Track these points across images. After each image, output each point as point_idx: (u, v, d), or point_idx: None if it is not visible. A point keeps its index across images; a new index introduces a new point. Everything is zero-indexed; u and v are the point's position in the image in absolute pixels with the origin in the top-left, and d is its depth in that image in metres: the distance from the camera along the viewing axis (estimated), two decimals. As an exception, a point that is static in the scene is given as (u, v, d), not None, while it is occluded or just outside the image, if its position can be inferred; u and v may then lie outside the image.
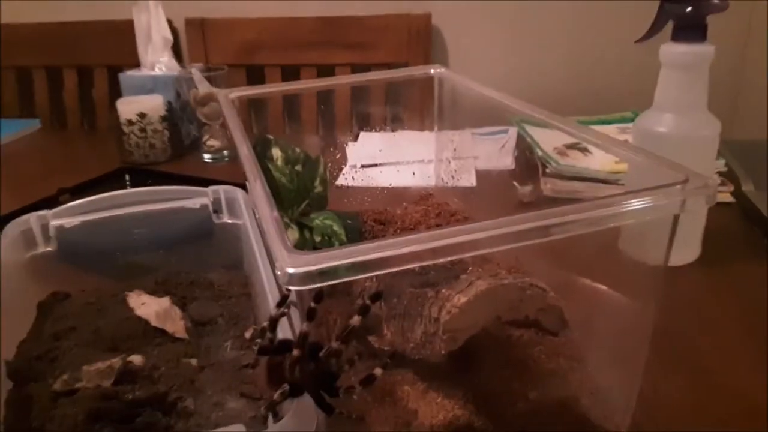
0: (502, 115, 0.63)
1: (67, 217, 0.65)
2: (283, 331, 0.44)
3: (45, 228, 0.64)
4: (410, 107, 1.28)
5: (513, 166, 0.96)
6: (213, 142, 1.13)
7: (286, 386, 0.38)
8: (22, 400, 0.49)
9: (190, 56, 1.43)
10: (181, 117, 1.20)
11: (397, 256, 0.32)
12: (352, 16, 1.32)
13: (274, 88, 0.90)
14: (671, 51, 0.65)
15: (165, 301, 0.60)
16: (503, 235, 0.34)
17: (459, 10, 1.30)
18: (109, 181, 1.04)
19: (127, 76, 1.24)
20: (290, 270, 0.31)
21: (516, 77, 1.33)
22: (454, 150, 0.79)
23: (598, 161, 0.87)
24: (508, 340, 0.48)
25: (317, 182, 0.62)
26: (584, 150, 0.90)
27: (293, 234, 0.57)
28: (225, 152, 1.14)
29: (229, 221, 0.70)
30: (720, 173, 0.87)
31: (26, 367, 0.53)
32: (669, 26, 0.66)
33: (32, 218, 0.64)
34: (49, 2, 1.50)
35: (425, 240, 0.32)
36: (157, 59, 1.28)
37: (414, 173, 0.83)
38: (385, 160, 0.90)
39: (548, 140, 0.92)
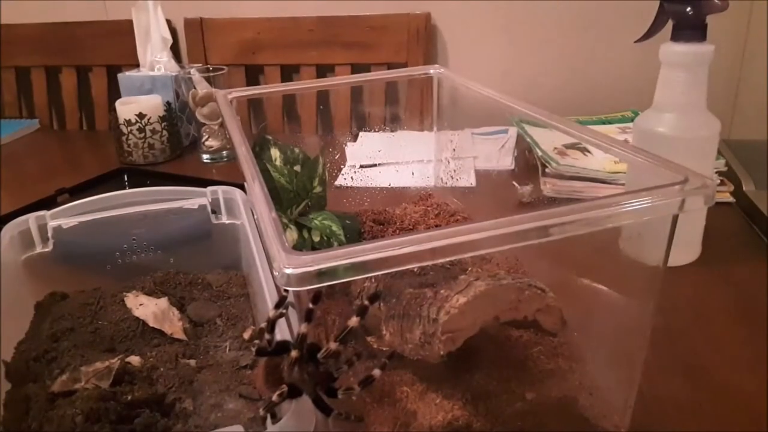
0: (501, 115, 0.63)
1: (65, 217, 0.65)
2: (282, 332, 0.44)
3: (43, 228, 0.64)
4: (409, 107, 1.29)
5: (513, 166, 0.96)
6: (212, 143, 1.13)
7: (284, 387, 0.37)
8: (21, 400, 0.49)
9: (189, 56, 1.43)
10: (180, 117, 1.20)
11: (396, 257, 0.32)
12: (352, 16, 1.32)
13: (273, 88, 0.90)
14: (671, 51, 0.65)
15: (163, 302, 0.60)
16: (503, 235, 0.33)
17: (459, 10, 1.30)
18: (108, 181, 1.04)
19: (126, 76, 1.23)
20: (288, 271, 0.30)
21: (516, 77, 1.33)
22: (454, 150, 0.79)
23: (598, 161, 0.87)
24: (507, 340, 0.48)
25: (316, 182, 0.62)
26: (584, 150, 0.90)
27: (292, 234, 0.57)
28: (224, 152, 1.14)
29: (227, 222, 0.70)
30: (720, 173, 0.87)
31: (24, 368, 0.52)
32: (669, 26, 0.66)
33: (30, 219, 0.64)
34: (48, 2, 1.49)
35: (424, 240, 0.32)
36: (156, 59, 1.28)
37: (413, 173, 0.83)
38: (384, 160, 0.90)
39: (548, 140, 0.91)
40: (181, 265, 0.67)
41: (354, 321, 0.37)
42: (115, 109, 1.13)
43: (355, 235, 0.63)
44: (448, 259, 0.34)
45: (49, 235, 0.64)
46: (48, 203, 0.90)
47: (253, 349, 0.50)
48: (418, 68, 0.80)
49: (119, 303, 0.60)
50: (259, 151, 0.62)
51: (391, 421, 0.43)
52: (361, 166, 0.91)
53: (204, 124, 1.12)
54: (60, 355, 0.54)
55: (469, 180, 0.84)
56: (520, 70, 1.32)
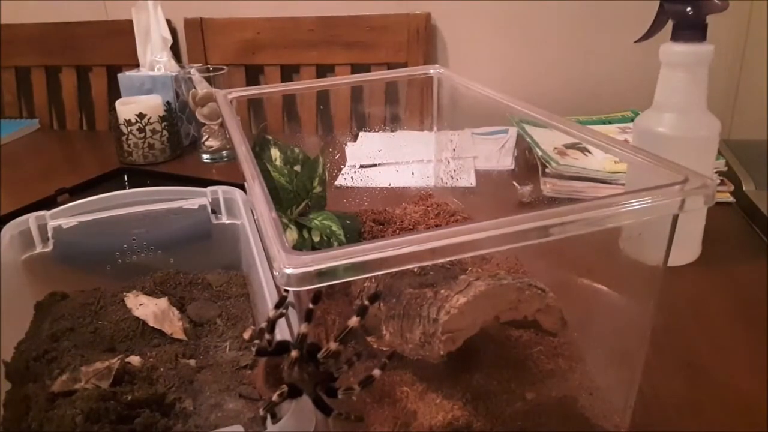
0: (501, 115, 0.63)
1: (65, 217, 0.65)
2: (282, 332, 0.44)
3: (43, 228, 0.64)
4: (409, 107, 1.29)
5: (513, 166, 0.96)
6: (212, 143, 1.13)
7: (284, 387, 0.37)
8: (21, 400, 0.49)
9: (189, 56, 1.43)
10: (180, 117, 1.20)
11: (396, 257, 0.32)
12: (352, 16, 1.32)
13: (273, 88, 0.90)
14: (671, 51, 0.65)
15: (163, 302, 0.60)
16: (503, 235, 0.33)
17: (459, 10, 1.30)
18: (108, 181, 1.04)
19: (126, 76, 1.23)
20: (288, 271, 0.30)
21: (516, 77, 1.33)
22: (454, 150, 0.79)
23: (598, 161, 0.87)
24: (507, 340, 0.48)
25: (316, 182, 0.62)
26: (584, 150, 0.90)
27: (292, 234, 0.57)
28: (224, 152, 1.14)
29: (227, 222, 0.70)
30: (720, 173, 0.87)
31: (24, 368, 0.52)
32: (669, 26, 0.66)
33: (30, 218, 0.64)
34: (48, 2, 1.49)
35: (424, 240, 0.32)
36: (156, 59, 1.28)
37: (413, 173, 0.83)
38: (384, 160, 0.90)
39: (548, 140, 0.91)
40: (181, 265, 0.67)
41: (354, 321, 0.37)
42: (115, 109, 1.13)
43: (355, 235, 0.63)
44: (448, 259, 0.34)
45: (49, 235, 0.64)
46: (48, 203, 0.90)
47: (253, 349, 0.50)
48: (418, 68, 0.80)
49: (119, 303, 0.60)
50: (259, 151, 0.62)
51: (391, 421, 0.43)
52: (361, 166, 0.91)
53: (204, 124, 1.12)
54: (60, 355, 0.54)
55: (469, 180, 0.84)
56: (520, 70, 1.32)
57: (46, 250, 0.64)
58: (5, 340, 0.54)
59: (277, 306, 0.42)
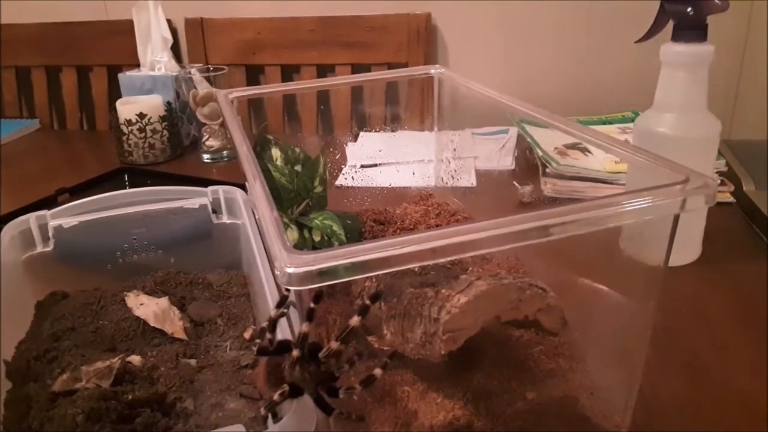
0: (502, 115, 0.63)
1: (65, 217, 0.65)
2: (283, 332, 0.44)
3: (44, 228, 0.64)
4: (410, 107, 1.29)
5: (513, 166, 0.96)
6: (212, 143, 1.13)
7: (285, 386, 0.38)
8: (21, 400, 0.49)
9: (189, 56, 1.43)
10: (181, 117, 1.20)
11: (397, 256, 0.32)
12: (352, 16, 1.32)
13: (273, 88, 0.90)
14: (671, 51, 0.65)
15: (164, 302, 0.60)
16: (503, 235, 0.33)
17: (459, 10, 1.30)
18: (108, 181, 1.04)
19: (127, 76, 1.24)
20: (289, 270, 0.31)
21: (516, 77, 1.33)
22: (454, 150, 0.79)
23: (599, 161, 0.87)
24: (507, 340, 0.48)
25: (317, 182, 0.62)
26: (584, 150, 0.90)
27: (293, 234, 0.57)
28: (224, 152, 1.14)
29: (228, 221, 0.70)
30: (720, 173, 0.87)
31: (25, 367, 0.53)
32: (669, 26, 0.66)
33: (31, 218, 0.64)
34: (48, 2, 1.49)
35: (425, 240, 0.32)
36: (156, 59, 1.28)
37: (414, 173, 0.83)
38: (384, 160, 0.90)
39: (548, 140, 0.92)
40: (182, 265, 0.67)
41: (355, 320, 0.37)
42: (115, 109, 1.13)
43: (356, 234, 0.63)
44: (448, 259, 0.34)
45: (50, 234, 0.64)
46: (48, 203, 0.90)
47: (254, 349, 0.50)
48: (418, 68, 0.80)
49: (120, 302, 0.60)
50: (260, 150, 0.62)
51: (392, 421, 0.43)
52: (362, 166, 0.91)
53: (204, 124, 1.12)
54: (61, 354, 0.54)
55: (469, 180, 0.84)
56: (520, 70, 1.32)
57: (47, 249, 0.64)
58: (6, 339, 0.54)
59: (279, 305, 0.42)
